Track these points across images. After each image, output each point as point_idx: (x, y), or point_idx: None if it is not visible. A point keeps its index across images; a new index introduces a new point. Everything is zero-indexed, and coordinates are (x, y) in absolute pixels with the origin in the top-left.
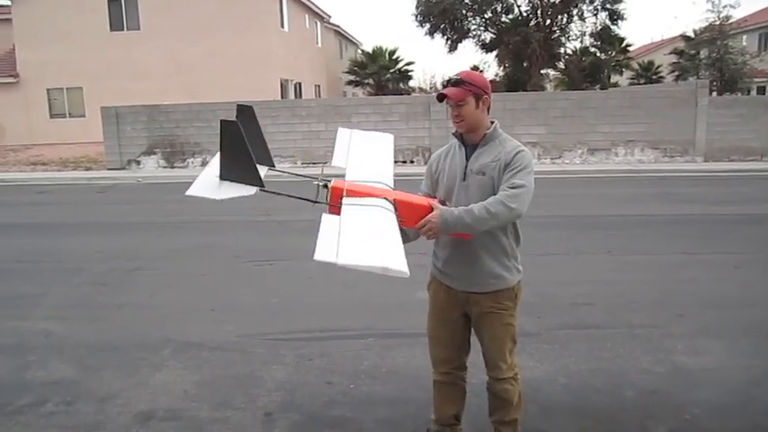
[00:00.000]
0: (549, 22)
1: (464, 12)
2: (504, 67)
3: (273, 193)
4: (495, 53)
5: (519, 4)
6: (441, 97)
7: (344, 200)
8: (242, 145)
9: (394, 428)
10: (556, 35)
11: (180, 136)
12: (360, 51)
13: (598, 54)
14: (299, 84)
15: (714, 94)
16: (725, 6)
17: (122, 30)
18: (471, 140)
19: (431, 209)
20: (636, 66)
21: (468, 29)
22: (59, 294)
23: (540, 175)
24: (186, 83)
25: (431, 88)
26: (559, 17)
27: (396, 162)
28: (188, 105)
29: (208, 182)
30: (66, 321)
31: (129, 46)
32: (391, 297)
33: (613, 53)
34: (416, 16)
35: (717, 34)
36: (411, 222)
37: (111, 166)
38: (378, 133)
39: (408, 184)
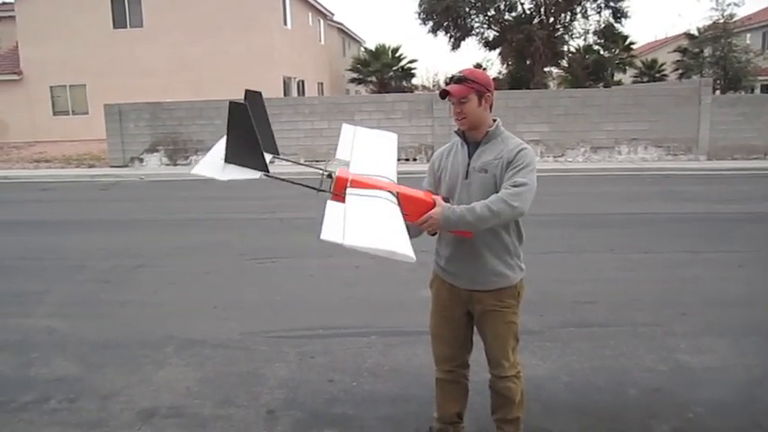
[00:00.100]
0: (552, 19)
1: (467, 9)
2: (507, 64)
3: (277, 178)
4: (498, 51)
5: (522, 1)
6: (443, 94)
7: (349, 190)
8: (249, 128)
9: (396, 426)
10: (559, 33)
11: (183, 133)
12: (363, 49)
13: (601, 52)
14: (302, 81)
15: (717, 92)
16: (729, 4)
17: (125, 27)
18: (474, 138)
19: (433, 205)
20: (639, 64)
21: (472, 26)
22: (63, 291)
23: (542, 173)
24: (189, 80)
25: (434, 86)
26: (563, 15)
27: (398, 160)
28: (191, 103)
29: (213, 163)
30: (69, 318)
31: (132, 43)
32: (393, 295)
33: (617, 51)
34: (419, 14)
35: (720, 32)
36: (413, 217)
37: (114, 164)
38: (382, 131)
39: (411, 181)
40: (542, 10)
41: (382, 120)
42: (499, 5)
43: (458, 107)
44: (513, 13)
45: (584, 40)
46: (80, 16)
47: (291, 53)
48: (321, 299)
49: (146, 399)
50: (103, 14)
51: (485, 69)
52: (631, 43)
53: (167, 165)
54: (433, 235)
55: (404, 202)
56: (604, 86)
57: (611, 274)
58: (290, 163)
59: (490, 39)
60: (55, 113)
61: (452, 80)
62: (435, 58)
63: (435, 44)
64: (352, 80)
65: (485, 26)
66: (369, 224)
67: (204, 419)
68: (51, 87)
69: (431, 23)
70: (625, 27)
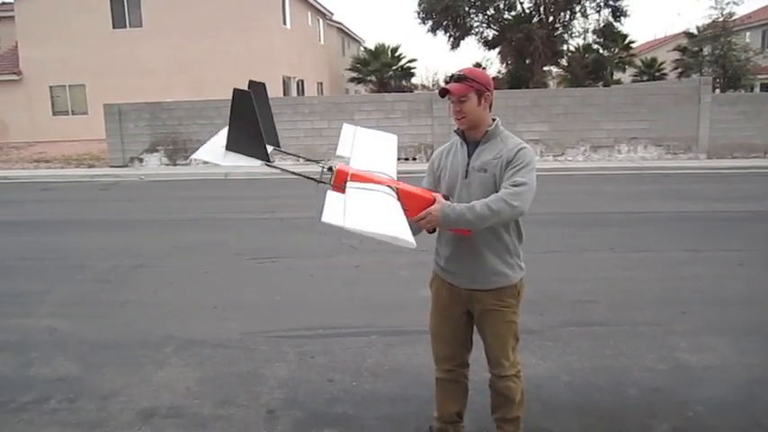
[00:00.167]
0: (551, 18)
1: (466, 9)
2: (507, 64)
3: (278, 168)
4: (497, 50)
5: (522, 0)
6: (443, 92)
7: (349, 183)
8: (252, 116)
9: (396, 426)
10: (558, 32)
11: (182, 133)
12: (362, 49)
13: (601, 51)
14: (302, 81)
15: (717, 90)
16: (728, 3)
17: (125, 27)
18: (473, 138)
19: (433, 201)
20: (639, 63)
21: (471, 26)
22: (63, 291)
23: (542, 173)
24: (189, 80)
25: (433, 85)
26: (562, 14)
27: (398, 159)
28: (190, 103)
29: (215, 149)
30: (69, 318)
31: (131, 43)
32: (393, 295)
33: (616, 50)
34: (419, 13)
35: (720, 31)
36: (412, 213)
37: (113, 164)
38: (382, 132)
39: (411, 181)
40: (542, 9)
41: (382, 119)
42: (498, 5)
43: (457, 106)
44: (513, 13)
45: (584, 39)
46: (79, 16)
47: (291, 53)
48: (321, 298)
49: (146, 399)
50: (103, 14)
51: (484, 69)
52: (631, 42)
53: (167, 165)
54: (431, 232)
55: (403, 197)
56: (604, 85)
57: (611, 274)
58: (290, 156)
59: (489, 38)
60: (54, 113)
61: (452, 79)
62: (435, 58)
63: (435, 43)
64: (352, 80)
65: (484, 25)
66: (370, 211)
67: (204, 419)
68: (51, 87)
69: (430, 23)
70: (624, 26)
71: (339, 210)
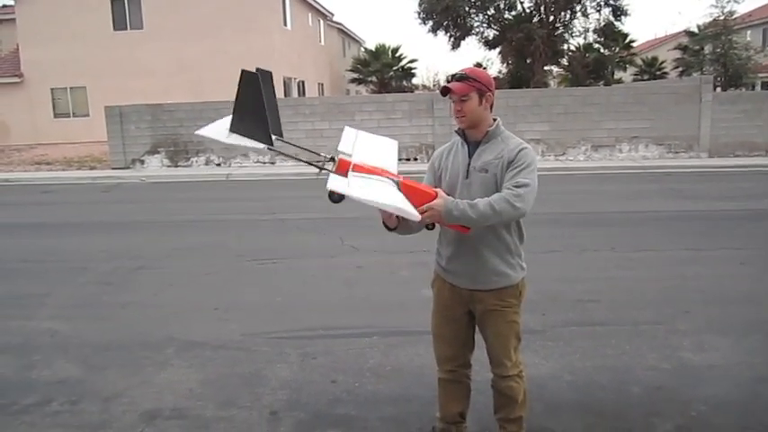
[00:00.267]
0: (552, 18)
1: (467, 9)
2: (508, 63)
3: (281, 153)
4: (498, 50)
5: (522, 0)
6: (444, 91)
7: (351, 173)
8: (258, 98)
9: (399, 426)
10: (559, 32)
11: (183, 135)
12: (363, 49)
13: (601, 50)
14: (303, 82)
15: (718, 89)
16: (729, 1)
17: (125, 29)
18: (474, 138)
19: (436, 196)
20: (639, 62)
21: (471, 26)
22: (64, 294)
23: (543, 172)
24: (190, 81)
25: (434, 86)
26: (562, 13)
27: (399, 159)
28: (191, 104)
29: (219, 129)
30: (70, 321)
31: (132, 45)
32: (394, 295)
33: (617, 49)
34: (419, 14)
35: (721, 29)
36: (416, 203)
37: (115, 166)
38: (384, 137)
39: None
40: (542, 8)
41: (383, 120)
42: (499, 4)
43: (458, 105)
44: (513, 12)
45: (585, 38)
46: (80, 18)
47: (291, 54)
48: (322, 299)
49: (148, 400)
50: (103, 16)
51: (485, 68)
52: (631, 41)
53: (168, 166)
54: (430, 229)
55: (405, 190)
56: (605, 85)
57: (612, 273)
58: (291, 149)
59: (490, 38)
60: (56, 116)
61: (454, 78)
62: (435, 58)
63: (435, 44)
64: (353, 80)
65: (484, 25)
66: (374, 186)
67: (207, 421)
68: (52, 90)
69: (431, 23)
70: (625, 25)
71: (344, 182)
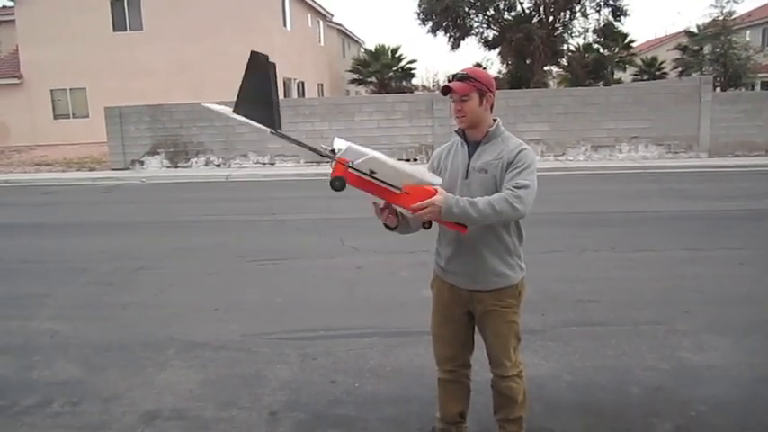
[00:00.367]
0: (551, 18)
1: (466, 9)
2: (507, 64)
3: (284, 137)
4: (497, 50)
5: (521, 0)
6: (445, 90)
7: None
8: (265, 81)
9: (399, 427)
10: (559, 32)
11: (183, 136)
12: (362, 50)
13: (601, 50)
14: (302, 83)
15: (718, 89)
16: (728, 2)
17: (125, 30)
18: (474, 138)
19: (435, 193)
20: (639, 62)
21: (471, 26)
22: (65, 294)
23: (543, 173)
24: (190, 82)
25: (434, 86)
26: (562, 14)
27: (399, 160)
28: (191, 105)
29: (225, 108)
30: (71, 321)
31: (132, 46)
32: (394, 296)
33: (616, 49)
34: (419, 14)
35: (720, 29)
36: (413, 202)
37: (114, 167)
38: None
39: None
40: (542, 9)
41: (382, 120)
42: (498, 5)
43: (458, 105)
44: (513, 13)
45: (584, 38)
46: (80, 19)
47: (291, 54)
48: (322, 300)
49: (148, 401)
50: (103, 17)
51: (485, 69)
52: (631, 41)
53: (168, 167)
54: (427, 228)
55: (405, 186)
56: (604, 85)
57: (612, 273)
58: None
59: (490, 38)
60: (55, 117)
61: (455, 77)
62: (435, 59)
63: (435, 44)
64: (353, 81)
65: (484, 26)
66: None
67: (206, 422)
68: (52, 91)
69: (430, 23)
70: (624, 25)
71: (362, 149)
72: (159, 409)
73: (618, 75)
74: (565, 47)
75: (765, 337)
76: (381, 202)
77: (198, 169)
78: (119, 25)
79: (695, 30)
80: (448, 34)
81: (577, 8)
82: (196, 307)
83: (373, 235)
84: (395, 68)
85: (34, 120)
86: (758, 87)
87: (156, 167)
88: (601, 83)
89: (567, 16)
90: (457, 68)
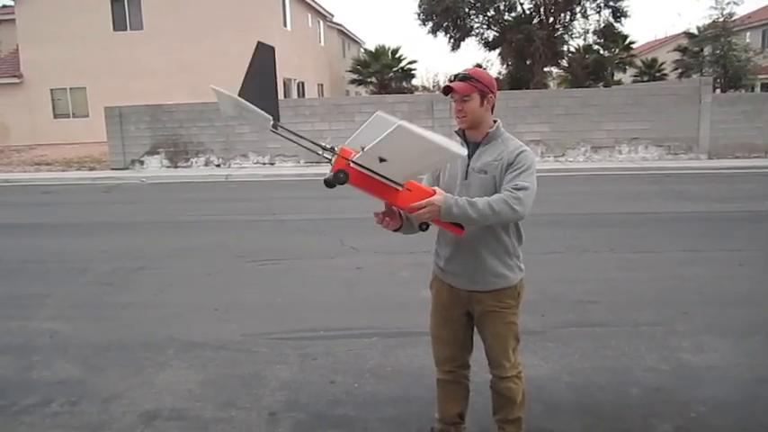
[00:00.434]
0: (552, 19)
1: (467, 10)
2: (507, 65)
3: (285, 129)
4: (497, 51)
5: (522, 1)
6: (446, 90)
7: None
8: (270, 71)
9: (398, 427)
10: (559, 33)
11: (183, 135)
12: (362, 50)
13: (601, 52)
14: (302, 83)
15: (718, 91)
16: (728, 3)
17: (125, 30)
18: (474, 139)
19: (434, 194)
20: (639, 63)
21: (471, 27)
22: (64, 294)
23: (543, 173)
24: (190, 82)
25: (434, 87)
26: (562, 15)
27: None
28: (191, 105)
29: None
30: (71, 321)
31: (132, 46)
32: (394, 296)
33: (617, 51)
34: (419, 15)
35: (720, 31)
36: (413, 199)
37: (114, 166)
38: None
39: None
40: (542, 10)
41: None
42: (499, 6)
43: (459, 105)
44: (513, 14)
45: (584, 39)
46: (80, 19)
47: (291, 55)
48: (322, 300)
49: (147, 401)
50: (103, 17)
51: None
52: (631, 43)
53: (168, 167)
54: (424, 229)
55: (407, 185)
56: (604, 86)
57: (611, 274)
58: (292, 132)
59: (490, 39)
60: (55, 116)
61: (457, 77)
62: (435, 59)
63: (435, 45)
64: (353, 81)
65: (484, 26)
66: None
67: (206, 422)
68: (52, 90)
69: (430, 24)
70: (625, 26)
71: (390, 119)
72: (159, 409)
73: (618, 76)
74: (565, 48)
75: (765, 338)
76: (381, 210)
77: (198, 169)
78: (119, 25)
79: (695, 31)
80: (448, 35)
81: (578, 9)
82: (196, 307)
83: (373, 235)
84: (395, 69)
85: (34, 119)
86: (758, 89)
87: (155, 167)
88: (601, 84)
89: (568, 17)
90: (457, 69)
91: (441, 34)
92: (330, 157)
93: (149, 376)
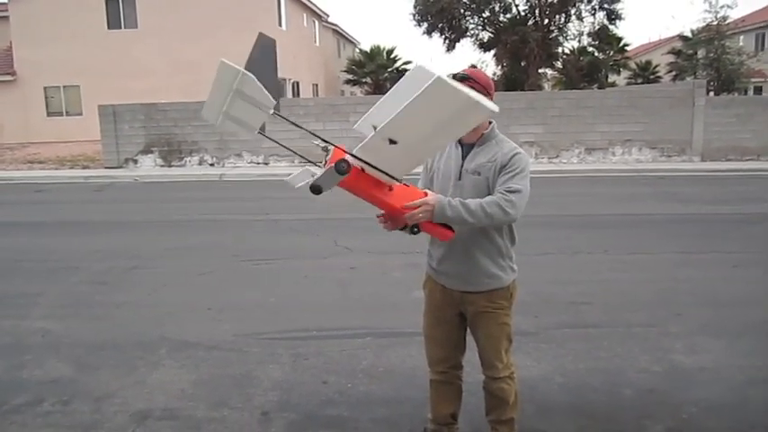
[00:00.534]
0: (546, 21)
1: (462, 11)
2: (502, 66)
3: (284, 118)
4: (492, 52)
5: (517, 3)
6: None
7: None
8: (271, 61)
9: (391, 427)
10: (554, 35)
11: (177, 134)
12: (358, 50)
13: (596, 54)
14: (297, 83)
15: (711, 93)
16: (722, 6)
17: (120, 28)
18: (468, 140)
19: (426, 195)
20: (633, 65)
21: (466, 28)
22: (57, 293)
23: (537, 175)
24: (184, 81)
25: None
26: (557, 17)
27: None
28: (185, 104)
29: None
30: (63, 320)
31: (126, 44)
32: (387, 296)
33: (611, 53)
34: (414, 15)
35: (714, 34)
36: (407, 199)
37: (108, 165)
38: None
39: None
40: (537, 12)
41: None
42: (494, 7)
43: None
44: (508, 15)
45: (579, 41)
46: (74, 17)
47: (286, 54)
48: (315, 300)
49: (140, 401)
50: (98, 15)
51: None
52: (625, 45)
53: (162, 166)
54: (414, 233)
55: (398, 188)
56: (599, 88)
57: (605, 275)
58: (288, 125)
59: (485, 40)
60: (49, 114)
61: (455, 78)
62: (430, 60)
63: (430, 45)
64: (348, 81)
65: (479, 28)
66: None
67: (198, 421)
68: (45, 88)
69: (425, 25)
70: (619, 29)
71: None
72: (151, 408)
73: (612, 78)
74: (560, 50)
75: (758, 339)
76: (381, 213)
77: (191, 168)
78: (113, 23)
79: (689, 34)
80: (443, 36)
81: (572, 11)
82: (189, 307)
83: (366, 235)
84: (390, 69)
85: (27, 117)
86: (751, 92)
87: (149, 166)
88: (595, 86)
89: (563, 19)
90: (452, 70)
91: (436, 35)
92: (325, 155)
93: (142, 376)
